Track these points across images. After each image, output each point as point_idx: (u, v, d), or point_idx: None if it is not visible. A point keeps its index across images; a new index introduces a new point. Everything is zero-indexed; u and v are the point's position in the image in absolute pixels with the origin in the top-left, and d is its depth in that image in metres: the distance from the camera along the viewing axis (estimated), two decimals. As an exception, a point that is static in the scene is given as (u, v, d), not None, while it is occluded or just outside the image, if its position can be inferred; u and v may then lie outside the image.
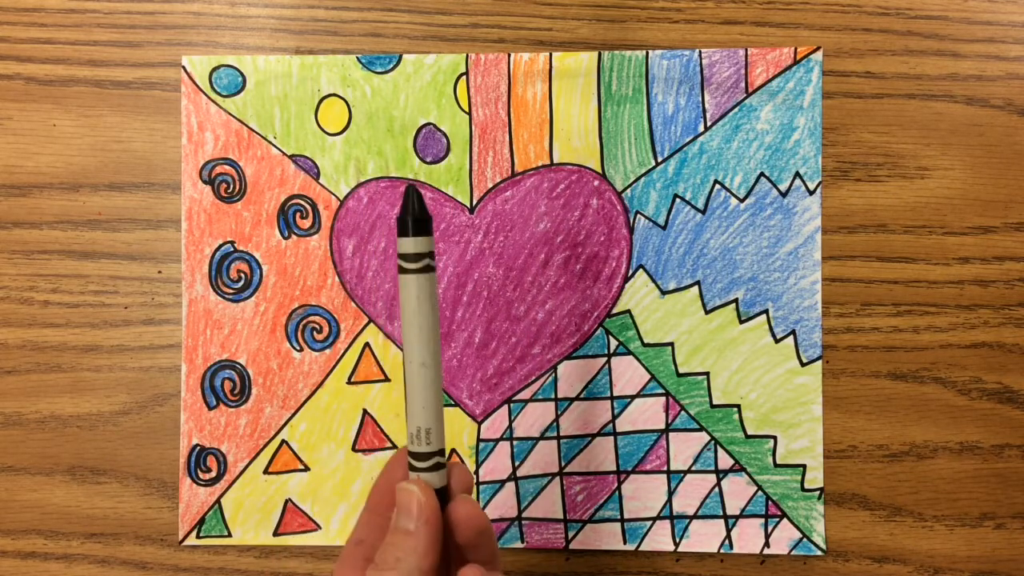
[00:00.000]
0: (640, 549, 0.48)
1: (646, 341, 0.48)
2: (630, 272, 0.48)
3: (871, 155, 0.47)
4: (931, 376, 0.47)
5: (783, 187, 0.48)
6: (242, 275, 0.49)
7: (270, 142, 0.49)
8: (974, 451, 0.47)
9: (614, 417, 0.48)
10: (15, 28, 0.49)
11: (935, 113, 0.47)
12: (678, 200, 0.48)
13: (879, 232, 0.48)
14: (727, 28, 0.48)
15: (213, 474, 0.48)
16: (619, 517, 0.48)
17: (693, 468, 0.48)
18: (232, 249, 0.49)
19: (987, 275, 0.47)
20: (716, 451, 0.48)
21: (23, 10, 0.49)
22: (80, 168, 0.49)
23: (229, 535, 0.48)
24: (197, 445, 0.48)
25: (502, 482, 0.48)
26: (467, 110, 0.49)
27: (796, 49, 0.48)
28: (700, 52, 0.48)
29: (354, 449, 0.48)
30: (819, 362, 0.48)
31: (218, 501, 0.48)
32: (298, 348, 0.49)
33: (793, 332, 0.48)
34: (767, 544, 0.48)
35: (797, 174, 0.48)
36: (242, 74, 0.49)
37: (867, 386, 0.47)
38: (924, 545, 0.47)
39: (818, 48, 0.47)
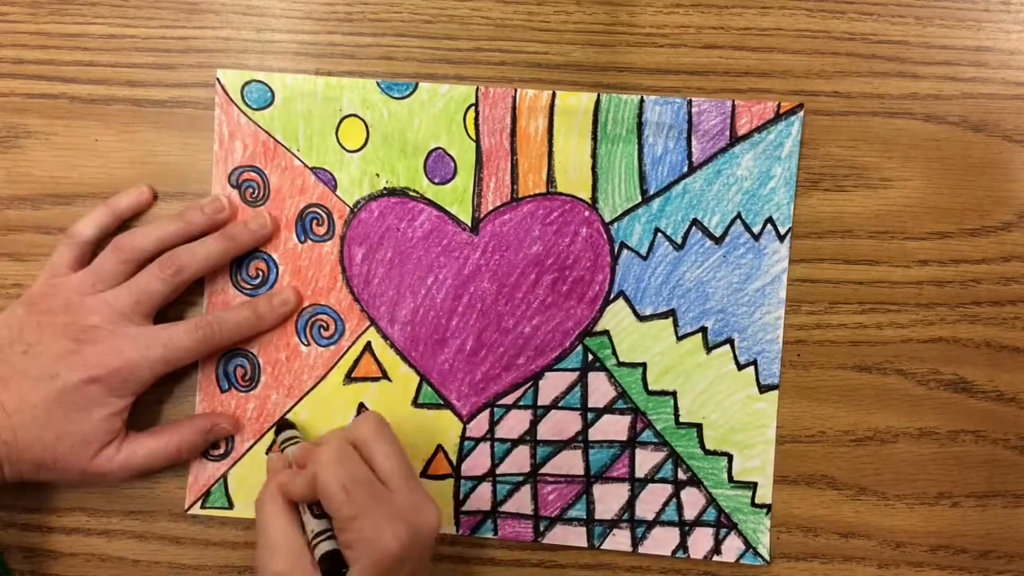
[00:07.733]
0: (602, 548, 0.50)
1: (621, 360, 0.50)
2: (611, 296, 0.50)
3: (839, 167, 0.50)
4: (893, 368, 0.50)
5: (756, 230, 0.49)
6: (260, 273, 0.50)
7: (293, 154, 0.50)
8: (932, 436, 0.50)
9: (587, 426, 0.50)
10: (61, 52, 0.50)
11: (896, 129, 0.49)
12: (659, 234, 0.50)
13: (846, 237, 0.50)
14: (707, 51, 0.49)
15: (221, 451, 0.50)
16: (585, 518, 0.50)
17: (655, 478, 0.50)
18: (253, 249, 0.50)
19: (943, 276, 0.50)
20: (676, 464, 0.50)
21: (68, 36, 0.50)
22: (120, 179, 0.50)
23: (231, 507, 0.50)
24: None
25: (481, 478, 0.50)
26: (474, 138, 0.50)
27: (780, 104, 0.49)
28: (690, 101, 0.49)
29: (348, 439, 0.51)
30: (776, 390, 0.49)
31: (224, 476, 0.50)
32: (305, 343, 0.50)
33: (755, 362, 0.49)
34: (718, 551, 0.50)
35: (770, 219, 0.49)
36: (271, 90, 0.50)
37: (835, 377, 0.50)
38: (887, 522, 0.50)
39: (801, 105, 0.49)
